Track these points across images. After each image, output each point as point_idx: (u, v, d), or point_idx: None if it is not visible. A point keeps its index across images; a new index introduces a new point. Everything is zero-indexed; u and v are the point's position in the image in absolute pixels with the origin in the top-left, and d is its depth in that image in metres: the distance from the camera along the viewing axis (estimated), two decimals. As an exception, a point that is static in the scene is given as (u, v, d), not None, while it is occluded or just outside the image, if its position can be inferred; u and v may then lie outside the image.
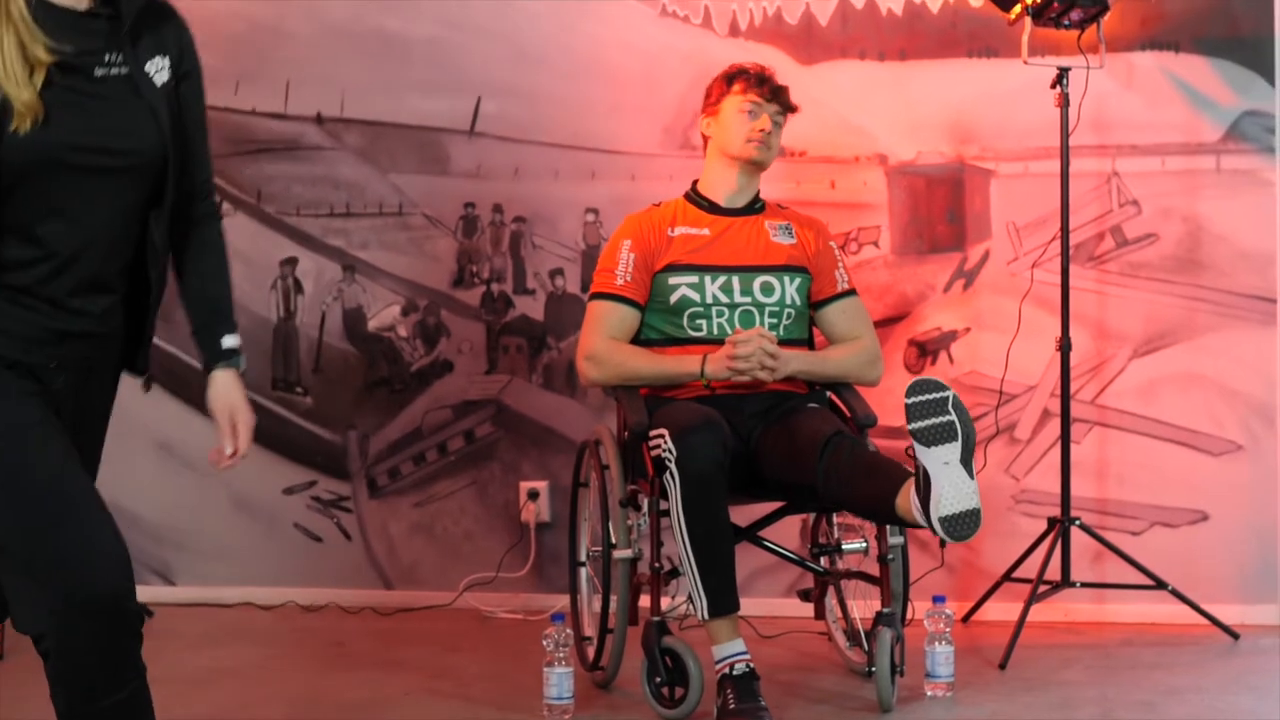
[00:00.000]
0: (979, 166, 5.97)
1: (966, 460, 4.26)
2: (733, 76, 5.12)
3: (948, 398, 4.28)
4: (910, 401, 4.26)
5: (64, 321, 3.20)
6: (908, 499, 4.33)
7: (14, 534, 3.08)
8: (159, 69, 3.27)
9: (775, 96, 5.10)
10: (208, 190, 3.46)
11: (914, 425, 4.25)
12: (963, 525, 4.23)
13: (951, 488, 4.22)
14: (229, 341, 3.41)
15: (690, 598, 4.61)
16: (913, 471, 4.35)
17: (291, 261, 6.37)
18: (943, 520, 4.22)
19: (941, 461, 4.24)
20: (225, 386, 3.39)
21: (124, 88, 3.22)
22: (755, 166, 5.09)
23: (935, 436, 4.25)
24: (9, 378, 3.17)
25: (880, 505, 4.48)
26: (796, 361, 4.92)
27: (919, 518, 4.28)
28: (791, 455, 4.68)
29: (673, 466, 4.56)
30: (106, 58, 3.21)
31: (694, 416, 4.65)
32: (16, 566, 3.09)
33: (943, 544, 4.55)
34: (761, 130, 5.06)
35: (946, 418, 4.26)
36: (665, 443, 4.60)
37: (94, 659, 3.10)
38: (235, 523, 6.36)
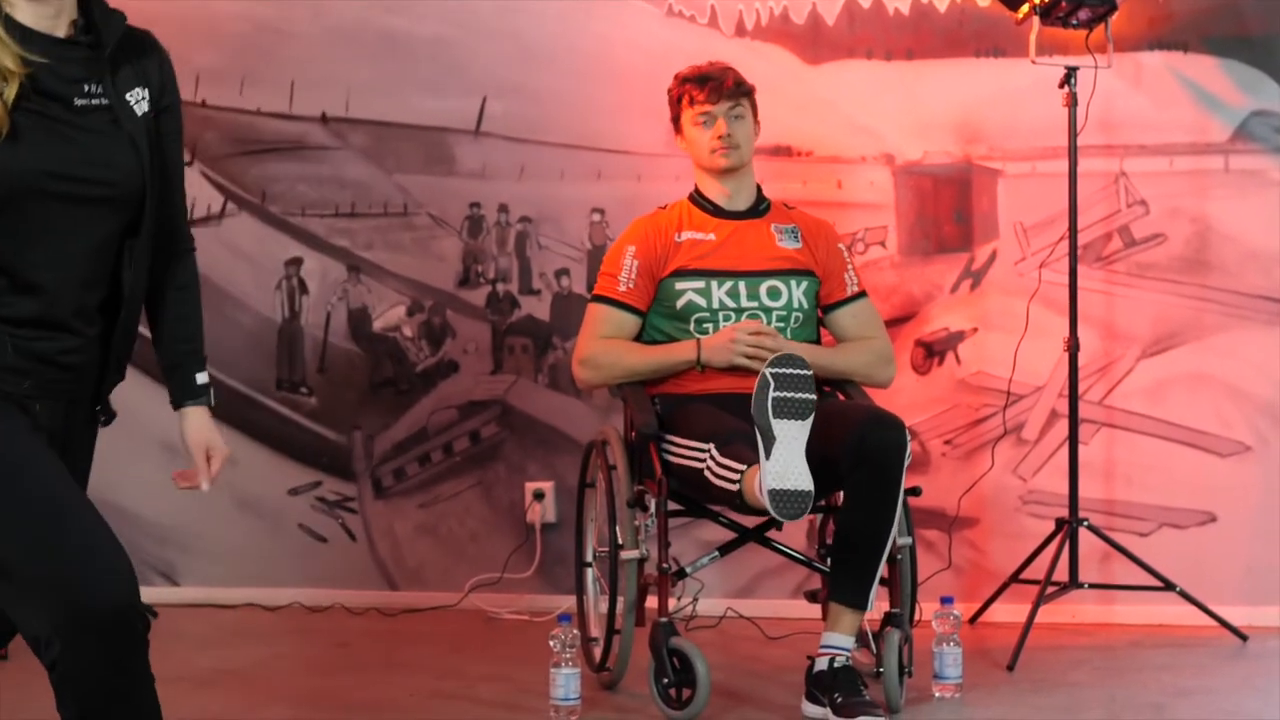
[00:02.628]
0: (986, 166, 5.96)
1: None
2: (679, 94, 5.09)
3: (810, 377, 4.30)
4: (775, 371, 4.28)
5: (41, 352, 3.18)
6: (753, 483, 4.35)
7: (13, 551, 3.06)
8: (139, 99, 3.26)
9: (721, 94, 5.04)
10: (182, 224, 3.44)
11: (776, 394, 4.26)
12: (792, 503, 4.24)
13: (789, 465, 4.24)
14: (201, 378, 3.43)
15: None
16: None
17: (296, 262, 6.35)
18: (773, 494, 4.23)
19: (790, 436, 4.25)
20: (199, 422, 3.42)
21: (104, 118, 3.21)
22: (731, 171, 5.06)
23: (792, 410, 4.26)
24: None
25: (843, 575, 4.64)
26: (807, 353, 4.89)
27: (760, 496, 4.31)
28: (823, 429, 4.65)
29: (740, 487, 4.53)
30: (86, 88, 3.19)
31: (728, 425, 4.63)
32: (17, 583, 3.07)
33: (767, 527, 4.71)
34: (719, 137, 5.02)
35: (808, 396, 4.27)
36: (713, 458, 4.58)
37: (100, 672, 3.08)
38: (240, 523, 6.35)
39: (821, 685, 4.55)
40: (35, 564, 3.05)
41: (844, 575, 4.64)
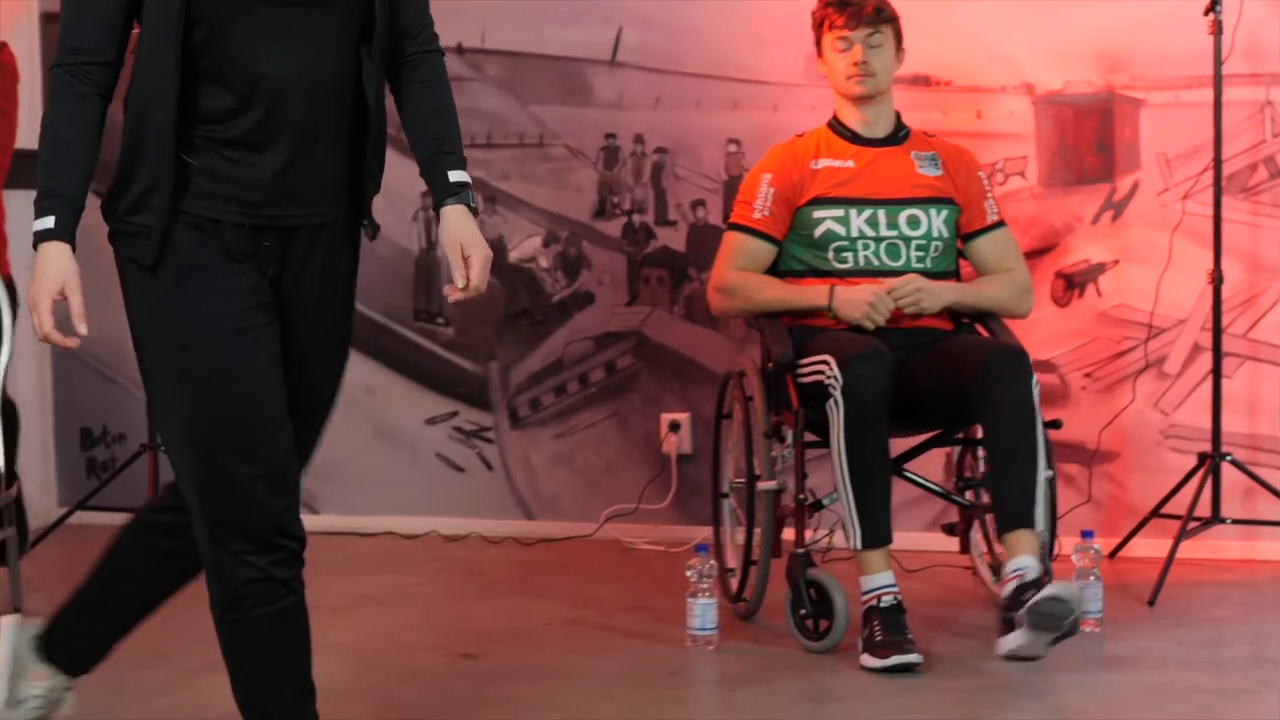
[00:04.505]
0: (1128, 96, 5.86)
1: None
2: (820, 18, 5.04)
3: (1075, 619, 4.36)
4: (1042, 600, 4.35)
5: (279, 173, 3.14)
6: (1020, 546, 4.48)
7: (190, 460, 3.11)
8: None
9: (860, 20, 4.97)
10: (422, 24, 3.34)
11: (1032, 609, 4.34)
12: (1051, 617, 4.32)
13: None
14: (456, 176, 3.31)
15: (843, 527, 4.59)
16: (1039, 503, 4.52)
17: (433, 193, 6.37)
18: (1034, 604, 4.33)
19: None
20: (454, 221, 3.29)
21: None
22: (866, 99, 5.01)
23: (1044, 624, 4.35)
24: (212, 258, 3.13)
25: (1003, 503, 4.57)
26: (950, 293, 4.87)
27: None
28: (951, 365, 4.63)
29: (837, 394, 4.53)
30: None
31: (860, 345, 4.62)
32: (191, 475, 3.12)
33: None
34: (855, 64, 4.96)
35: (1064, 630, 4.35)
36: (830, 369, 4.56)
37: (260, 589, 3.13)
38: (378, 453, 6.39)
39: (1016, 603, 4.48)
40: (210, 463, 3.11)
41: (1002, 501, 4.59)
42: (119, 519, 6.63)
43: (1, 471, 4.44)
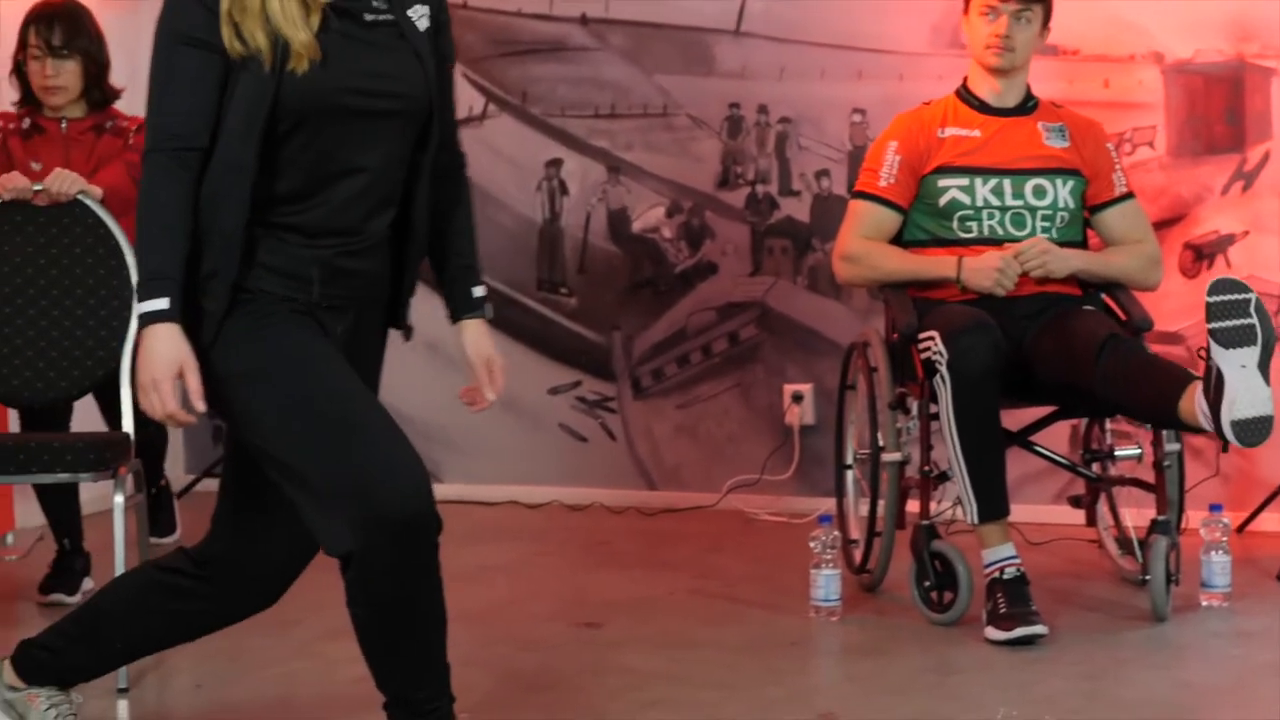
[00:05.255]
0: (1260, 65, 5.78)
1: (1264, 366, 4.17)
2: None
3: (1250, 300, 4.19)
4: (1212, 300, 4.18)
5: (336, 261, 3.23)
6: (1192, 402, 4.24)
7: (312, 462, 3.13)
8: (420, 15, 3.28)
9: None
10: (454, 141, 3.45)
11: (1213, 325, 4.17)
12: (1255, 431, 4.15)
13: (1247, 392, 4.13)
14: (478, 292, 3.44)
15: (960, 501, 4.58)
16: (1195, 375, 4.26)
17: (556, 163, 6.39)
18: (1235, 424, 4.13)
19: (1238, 364, 4.15)
20: (478, 335, 3.44)
21: (392, 32, 3.24)
22: (1000, 73, 4.96)
23: (1235, 338, 4.16)
24: (286, 312, 3.21)
25: (1161, 408, 4.39)
26: (1076, 259, 4.82)
27: (1204, 422, 4.19)
28: (1068, 357, 4.60)
29: (943, 369, 4.51)
30: (374, 3, 3.23)
31: (966, 318, 4.59)
32: (317, 493, 3.13)
33: (1225, 448, 4.43)
34: (997, 35, 4.90)
35: (1248, 320, 4.17)
36: (936, 345, 4.55)
37: (395, 574, 3.15)
38: (502, 422, 6.41)
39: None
40: (334, 473, 3.11)
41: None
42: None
43: (132, 437, 4.49)
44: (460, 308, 3.45)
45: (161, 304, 3.14)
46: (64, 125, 5.13)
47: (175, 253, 3.16)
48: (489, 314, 3.46)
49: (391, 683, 3.28)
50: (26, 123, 5.15)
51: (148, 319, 3.15)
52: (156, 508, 5.71)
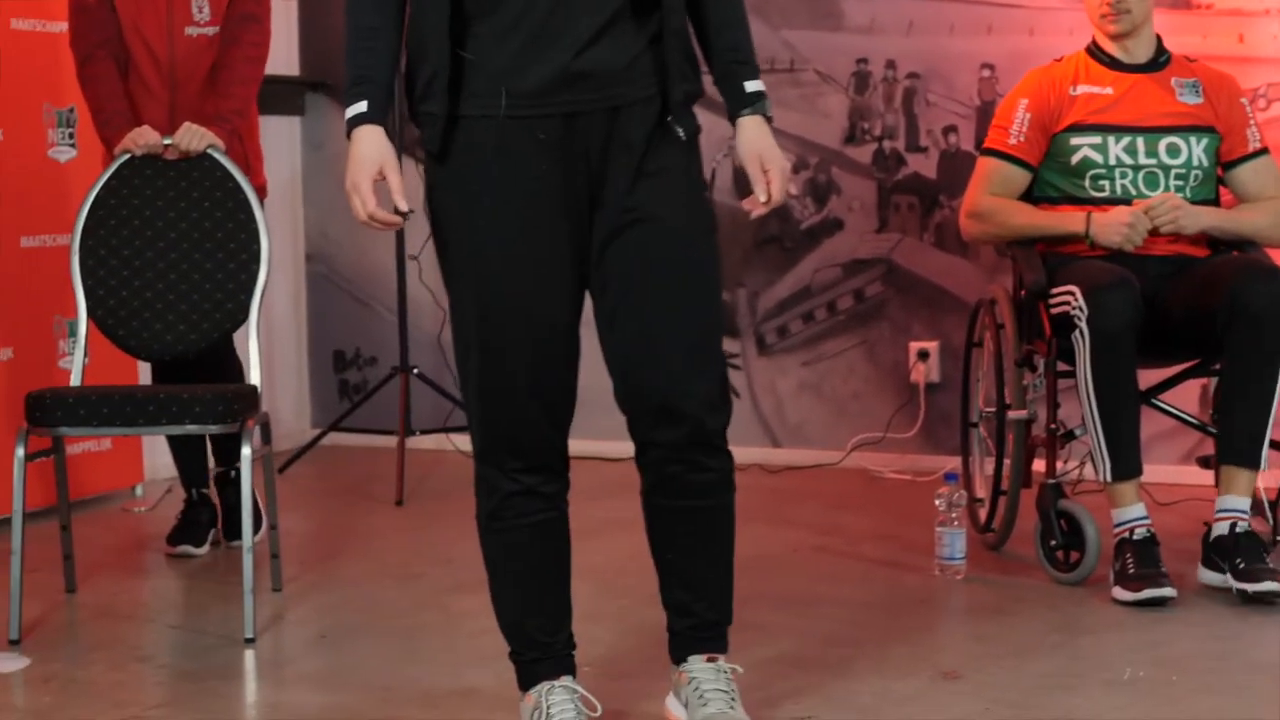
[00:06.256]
0: (1399, 18, 5.69)
1: None
2: None
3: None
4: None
5: (563, 61, 3.12)
6: (1236, 484, 4.34)
7: (478, 356, 3.23)
8: None
9: None
10: None
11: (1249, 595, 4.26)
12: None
13: None
14: (752, 86, 3.28)
15: (1092, 459, 4.53)
16: None
17: (683, 118, 6.37)
18: None
19: None
20: (752, 133, 3.28)
21: None
22: (1119, 37, 4.88)
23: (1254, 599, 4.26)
24: (492, 173, 3.16)
25: (1229, 432, 4.48)
26: (1208, 216, 4.75)
27: None
28: (1201, 287, 4.53)
29: (1083, 325, 4.46)
30: None
31: (1107, 274, 4.54)
32: (470, 385, 3.25)
33: None
34: (1108, 3, 4.82)
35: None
36: (1076, 300, 4.50)
37: (519, 490, 3.28)
38: (626, 378, 6.41)
39: (1221, 550, 4.45)
40: (489, 380, 3.23)
41: (1232, 433, 4.52)
42: (371, 441, 6.79)
43: (259, 389, 4.54)
44: (734, 104, 3.28)
45: (360, 107, 3.12)
46: None
47: (377, 55, 3.14)
48: (767, 110, 3.29)
49: (515, 616, 3.38)
50: None
51: (351, 124, 3.13)
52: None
